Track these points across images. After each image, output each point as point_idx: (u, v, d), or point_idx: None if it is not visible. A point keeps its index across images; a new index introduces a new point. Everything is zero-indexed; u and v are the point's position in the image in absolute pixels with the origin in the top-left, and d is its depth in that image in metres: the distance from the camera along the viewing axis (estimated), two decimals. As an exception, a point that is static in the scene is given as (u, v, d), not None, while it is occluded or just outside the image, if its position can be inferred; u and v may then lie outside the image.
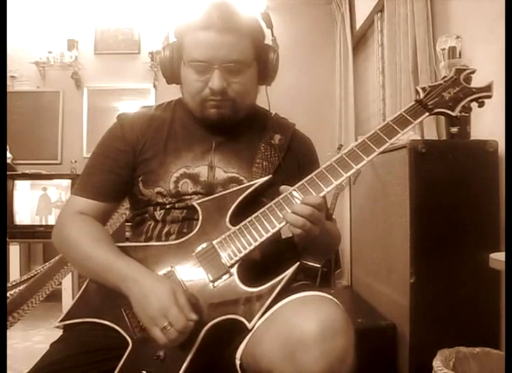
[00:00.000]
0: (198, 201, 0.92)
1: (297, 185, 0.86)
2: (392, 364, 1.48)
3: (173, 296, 0.76)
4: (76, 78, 3.75)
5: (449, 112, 0.91)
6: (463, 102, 0.92)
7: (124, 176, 0.98)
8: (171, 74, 0.99)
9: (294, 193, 0.85)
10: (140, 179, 0.97)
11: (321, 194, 0.85)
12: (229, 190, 0.92)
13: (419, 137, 1.77)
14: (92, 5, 3.76)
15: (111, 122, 1.03)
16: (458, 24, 1.80)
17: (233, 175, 0.96)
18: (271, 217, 0.84)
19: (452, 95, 0.92)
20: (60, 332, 0.93)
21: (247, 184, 0.92)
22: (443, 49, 1.61)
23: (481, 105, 0.94)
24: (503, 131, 1.15)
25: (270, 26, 1.01)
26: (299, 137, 1.07)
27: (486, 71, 1.26)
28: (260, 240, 0.83)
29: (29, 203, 3.17)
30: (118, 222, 1.53)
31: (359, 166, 0.86)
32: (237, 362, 0.80)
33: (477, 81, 0.95)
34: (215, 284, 0.83)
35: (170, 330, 0.74)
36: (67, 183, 3.17)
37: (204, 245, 0.86)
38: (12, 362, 1.80)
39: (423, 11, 1.96)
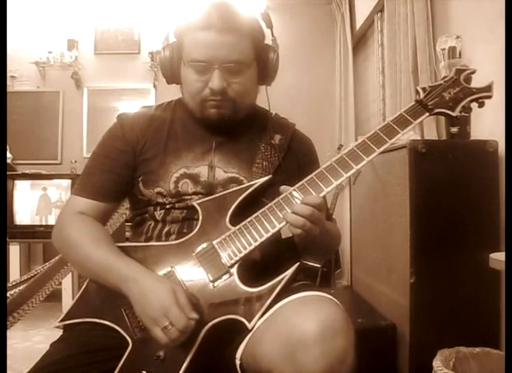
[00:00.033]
0: (198, 201, 0.92)
1: (297, 185, 0.86)
2: (392, 364, 1.48)
3: (174, 296, 0.76)
4: (76, 78, 3.75)
5: (449, 112, 0.91)
6: (463, 103, 0.92)
7: (125, 176, 0.98)
8: (171, 74, 0.99)
9: (294, 193, 0.85)
10: (140, 179, 0.97)
11: (321, 194, 0.85)
12: (229, 190, 0.92)
13: (419, 137, 1.77)
14: (92, 5, 3.76)
15: (111, 122, 1.03)
16: (458, 24, 1.80)
17: (233, 175, 0.96)
18: (271, 218, 0.84)
19: (452, 95, 0.92)
20: (60, 332, 0.93)
21: (247, 184, 0.92)
22: (443, 49, 1.61)
23: (481, 105, 0.94)
24: (503, 131, 1.15)
25: (270, 26, 1.01)
26: (299, 137, 1.07)
27: (486, 71, 1.26)
28: (260, 240, 0.83)
29: (29, 203, 3.17)
30: (118, 222, 1.53)
31: (359, 166, 0.86)
32: (237, 362, 0.80)
33: (477, 82, 0.95)
34: (215, 284, 0.83)
35: (171, 330, 0.74)
36: (67, 183, 3.17)
37: (204, 245, 0.86)
38: (12, 362, 1.80)
39: (423, 11, 1.97)
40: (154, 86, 3.74)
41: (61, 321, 0.90)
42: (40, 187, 3.19)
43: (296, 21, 3.71)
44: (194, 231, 0.89)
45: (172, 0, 3.38)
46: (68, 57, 3.69)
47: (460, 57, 1.62)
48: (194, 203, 0.91)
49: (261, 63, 0.98)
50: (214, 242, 0.86)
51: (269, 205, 0.86)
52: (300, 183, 0.86)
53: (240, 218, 0.87)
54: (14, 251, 3.06)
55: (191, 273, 0.84)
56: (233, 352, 0.80)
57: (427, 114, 0.90)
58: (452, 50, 1.59)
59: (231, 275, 0.83)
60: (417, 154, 1.35)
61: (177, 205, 0.94)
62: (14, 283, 1.46)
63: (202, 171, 0.95)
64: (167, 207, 0.95)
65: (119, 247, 0.90)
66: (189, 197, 0.94)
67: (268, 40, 1.01)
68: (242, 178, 0.96)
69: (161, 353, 0.79)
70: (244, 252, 0.83)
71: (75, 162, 3.47)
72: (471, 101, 0.93)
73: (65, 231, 0.93)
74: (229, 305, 0.80)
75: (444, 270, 1.36)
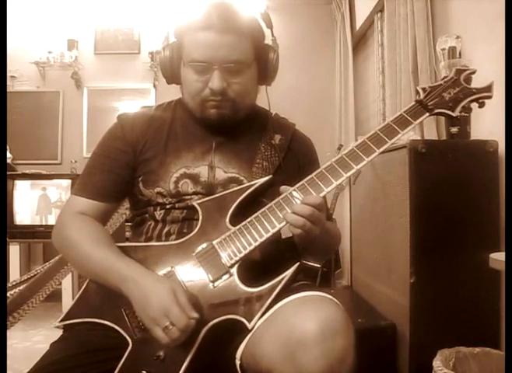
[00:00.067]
0: (198, 201, 0.92)
1: (297, 185, 0.86)
2: (392, 364, 1.48)
3: (174, 295, 0.76)
4: (76, 78, 3.75)
5: (449, 112, 0.91)
6: (463, 103, 0.92)
7: (125, 176, 0.98)
8: (171, 74, 0.99)
9: (294, 194, 0.85)
10: (140, 179, 0.97)
11: (321, 194, 0.85)
12: (229, 190, 0.92)
13: (419, 137, 1.77)
14: (92, 5, 3.76)
15: (111, 122, 1.03)
16: (458, 24, 1.80)
17: (233, 175, 0.96)
18: (271, 218, 0.84)
19: (452, 95, 0.92)
20: (60, 332, 0.93)
21: (247, 184, 0.92)
22: (443, 49, 1.61)
23: (481, 105, 0.94)
24: (503, 131, 1.15)
25: (270, 26, 1.01)
26: (299, 138, 1.07)
27: (486, 71, 1.26)
28: (260, 240, 0.83)
29: (29, 203, 3.17)
30: (118, 222, 1.53)
31: (359, 166, 0.86)
32: (237, 362, 0.80)
33: (477, 82, 0.95)
34: (215, 284, 0.83)
35: (172, 330, 0.74)
36: (67, 183, 3.17)
37: (204, 245, 0.86)
38: (12, 362, 1.80)
39: (423, 11, 1.97)
40: (154, 86, 3.74)
41: (61, 321, 0.90)
42: (40, 187, 3.19)
43: (296, 21, 3.71)
44: (194, 231, 0.89)
45: (172, 0, 3.38)
46: (68, 57, 3.69)
47: (460, 57, 1.62)
48: (194, 203, 0.91)
49: (261, 63, 0.98)
50: (214, 242, 0.86)
51: (269, 205, 0.86)
52: (300, 183, 0.86)
53: (240, 218, 0.87)
54: (14, 251, 3.06)
55: (191, 273, 0.84)
56: (233, 352, 0.80)
57: (427, 114, 0.90)
58: (452, 50, 1.59)
59: (231, 275, 0.83)
60: (417, 154, 1.35)
61: (177, 205, 0.94)
62: (14, 283, 1.46)
63: (202, 171, 0.95)
64: (167, 207, 0.95)
65: (119, 247, 0.90)
66: (189, 197, 0.94)
67: (268, 40, 1.01)
68: (242, 178, 0.96)
69: (161, 353, 0.79)
70: (244, 252, 0.83)
71: (75, 162, 3.47)
72: (471, 101, 0.93)
73: (65, 231, 0.93)
74: (229, 305, 0.81)
75: (444, 270, 1.36)
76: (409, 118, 0.90)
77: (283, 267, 0.82)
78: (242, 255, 0.83)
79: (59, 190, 3.19)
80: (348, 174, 0.86)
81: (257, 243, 0.83)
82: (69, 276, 2.72)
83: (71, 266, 1.39)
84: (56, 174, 3.32)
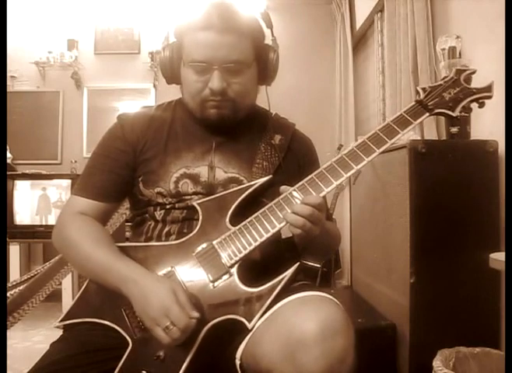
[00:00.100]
0: (198, 201, 0.92)
1: (297, 185, 0.86)
2: (392, 364, 1.48)
3: (174, 295, 0.76)
4: (76, 78, 3.75)
5: (449, 112, 0.91)
6: (463, 103, 0.92)
7: (125, 176, 0.98)
8: (171, 74, 0.99)
9: (294, 194, 0.85)
10: (140, 179, 0.97)
11: (321, 194, 0.85)
12: (229, 190, 0.92)
13: (419, 137, 1.77)
14: (92, 5, 3.76)
15: (111, 122, 1.03)
16: (458, 24, 1.80)
17: (233, 175, 0.96)
18: (271, 218, 0.84)
19: (452, 95, 0.92)
20: (60, 332, 0.93)
21: (247, 184, 0.92)
22: (443, 49, 1.61)
23: (481, 105, 0.94)
24: (503, 131, 1.15)
25: (270, 26, 1.01)
26: (299, 138, 1.07)
27: (486, 71, 1.26)
28: (260, 240, 0.83)
29: (29, 203, 3.17)
30: (118, 222, 1.53)
31: (359, 167, 0.86)
32: (237, 362, 0.80)
33: (477, 82, 0.95)
34: (215, 284, 0.83)
35: (173, 329, 0.74)
36: (67, 183, 3.17)
37: (204, 245, 0.86)
38: (12, 362, 1.80)
39: (423, 11, 1.97)
40: (154, 86, 3.74)
41: (61, 321, 0.90)
42: (40, 187, 3.19)
43: (296, 21, 3.70)
44: (194, 231, 0.89)
45: (172, 0, 3.38)
46: (68, 57, 3.69)
47: (460, 57, 1.62)
48: (194, 204, 0.91)
49: (261, 63, 0.98)
50: (214, 242, 0.86)
51: (269, 205, 0.86)
52: (300, 183, 0.86)
53: (240, 218, 0.87)
54: (14, 251, 3.06)
55: (191, 273, 0.84)
56: (233, 352, 0.80)
57: (427, 114, 0.90)
58: (452, 50, 1.59)
59: (231, 275, 0.83)
60: (417, 154, 1.35)
61: (177, 205, 0.94)
62: (14, 283, 1.46)
63: (202, 171, 0.95)
64: (167, 207, 0.95)
65: (119, 247, 0.90)
66: (189, 197, 0.94)
67: (268, 40, 1.01)
68: (242, 178, 0.96)
69: (161, 353, 0.79)
70: (244, 252, 0.83)
71: (75, 162, 3.47)
72: (472, 101, 0.93)
73: (65, 231, 0.93)
74: (229, 305, 0.81)
75: (444, 270, 1.36)
76: (409, 118, 0.90)
77: (283, 267, 0.82)
78: (242, 255, 0.83)
79: (59, 190, 3.19)
80: (349, 174, 0.86)
81: (257, 243, 0.83)
82: (69, 276, 2.72)
83: (71, 266, 1.39)
84: (56, 174, 3.32)
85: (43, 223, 3.14)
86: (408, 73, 2.04)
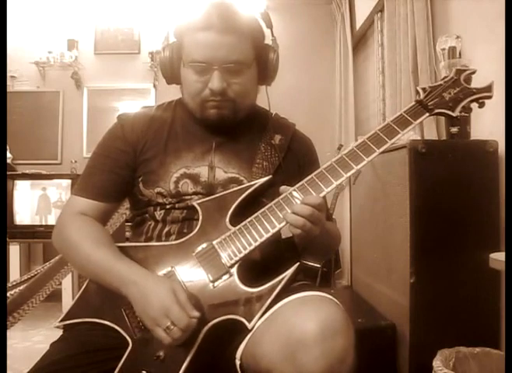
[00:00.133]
0: (198, 201, 0.92)
1: (297, 185, 0.86)
2: (392, 364, 1.48)
3: (174, 295, 0.76)
4: (76, 78, 3.75)
5: (449, 112, 0.91)
6: (463, 103, 0.92)
7: (125, 176, 0.98)
8: (171, 74, 0.99)
9: (294, 194, 0.85)
10: (140, 179, 0.97)
11: (321, 194, 0.85)
12: (229, 190, 0.92)
13: (419, 137, 1.77)
14: (92, 5, 3.76)
15: (111, 122, 1.03)
16: (458, 24, 1.80)
17: (234, 175, 0.96)
18: (271, 218, 0.84)
19: (452, 95, 0.92)
20: (60, 332, 0.93)
21: (247, 184, 0.92)
22: (443, 49, 1.61)
23: (481, 105, 0.94)
24: (503, 131, 1.15)
25: (270, 26, 1.01)
26: (299, 138, 1.07)
27: (486, 71, 1.26)
28: (260, 240, 0.83)
29: (29, 203, 3.17)
30: (118, 222, 1.53)
31: (359, 167, 0.86)
32: (237, 362, 0.80)
33: (477, 82, 0.95)
34: (215, 284, 0.83)
35: (174, 329, 0.74)
36: (67, 183, 3.17)
37: (204, 245, 0.86)
38: (12, 362, 1.80)
39: (423, 11, 1.97)
40: (154, 86, 3.74)
41: (61, 321, 0.90)
42: (40, 187, 3.19)
43: (296, 21, 3.70)
44: (194, 231, 0.89)
45: (172, 0, 3.38)
46: (68, 57, 3.69)
47: (460, 57, 1.62)
48: (194, 204, 0.91)
49: (261, 63, 0.98)
50: (214, 242, 0.86)
51: (269, 205, 0.86)
52: (300, 183, 0.86)
53: (240, 218, 0.87)
54: (14, 251, 3.06)
55: (191, 273, 0.84)
56: (233, 352, 0.80)
57: (427, 114, 0.90)
58: (452, 50, 1.59)
59: (231, 275, 0.83)
60: (417, 154, 1.35)
61: (177, 205, 0.94)
62: (14, 283, 1.46)
63: (202, 171, 0.95)
64: (167, 207, 0.95)
65: (119, 247, 0.90)
66: (189, 197, 0.94)
67: (268, 40, 1.01)
68: (242, 178, 0.96)
69: (161, 353, 0.79)
70: (244, 252, 0.83)
71: (75, 162, 3.47)
72: (472, 101, 0.93)
73: (65, 231, 0.93)
74: (229, 305, 0.81)
75: (444, 270, 1.36)
76: (409, 118, 0.90)
77: (283, 267, 0.82)
78: (242, 255, 0.83)
79: (59, 190, 3.19)
80: (348, 174, 0.86)
81: (257, 243, 0.83)
82: (69, 276, 2.72)
83: (72, 266, 1.39)
84: (56, 174, 3.32)
85: (43, 223, 3.14)
86: (408, 73, 2.04)
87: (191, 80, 0.93)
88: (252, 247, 0.83)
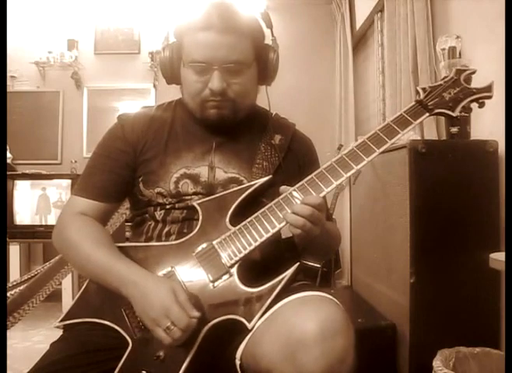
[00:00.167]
0: (198, 201, 0.92)
1: (297, 185, 0.86)
2: (392, 364, 1.48)
3: (173, 295, 0.76)
4: (76, 78, 3.75)
5: (449, 112, 0.91)
6: (463, 103, 0.92)
7: (125, 176, 0.98)
8: (171, 74, 0.99)
9: (294, 194, 0.85)
10: (140, 179, 0.97)
11: (321, 194, 0.85)
12: (229, 190, 0.92)
13: (419, 137, 1.77)
14: (92, 5, 3.76)
15: (111, 122, 1.03)
16: (458, 24, 1.80)
17: (234, 175, 0.96)
18: (271, 218, 0.84)
19: (452, 95, 0.92)
20: (60, 332, 0.93)
21: (247, 184, 0.92)
22: (443, 49, 1.61)
23: (481, 105, 0.94)
24: (503, 131, 1.15)
25: (270, 26, 1.01)
26: (299, 138, 1.07)
27: (486, 71, 1.26)
28: (260, 240, 0.83)
29: (29, 203, 3.17)
30: (118, 222, 1.53)
31: (359, 167, 0.86)
32: (237, 362, 0.80)
33: (477, 82, 0.95)
34: (215, 284, 0.83)
35: (174, 330, 0.74)
36: (67, 183, 3.17)
37: (204, 245, 0.86)
38: (12, 362, 1.80)
39: (423, 11, 1.97)
40: (154, 86, 3.74)
41: (61, 321, 0.90)
42: (40, 187, 3.19)
43: (296, 21, 3.70)
44: (194, 231, 0.89)
45: (172, 0, 3.38)
46: (68, 57, 3.69)
47: (460, 57, 1.62)
48: (194, 204, 0.91)
49: (261, 63, 0.98)
50: (214, 242, 0.86)
51: (269, 205, 0.86)
52: (300, 183, 0.86)
53: (240, 218, 0.87)
54: (14, 251, 3.06)
55: (191, 273, 0.84)
56: (233, 352, 0.80)
57: (427, 114, 0.90)
58: (452, 50, 1.59)
59: (231, 275, 0.83)
60: (417, 154, 1.35)
61: (177, 205, 0.94)
62: (14, 283, 1.46)
63: (202, 171, 0.95)
64: (167, 207, 0.95)
65: (119, 247, 0.90)
66: (189, 197, 0.94)
67: (268, 40, 1.01)
68: (242, 178, 0.96)
69: (161, 353, 0.79)
70: (244, 252, 0.83)
71: (75, 162, 3.47)
72: (472, 101, 0.93)
73: (65, 232, 0.93)
74: (229, 305, 0.81)
75: (444, 270, 1.36)
76: (409, 118, 0.90)
77: (283, 267, 0.82)
78: (242, 255, 0.83)
79: (59, 190, 3.19)
80: (348, 174, 0.86)
81: (257, 243, 0.83)
82: (69, 276, 2.71)
83: (72, 266, 1.39)
84: (56, 174, 3.32)
85: (43, 223, 3.14)
86: (408, 73, 2.04)
87: (191, 80, 0.93)
88: (252, 247, 0.83)
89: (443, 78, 0.96)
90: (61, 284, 2.62)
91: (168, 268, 0.86)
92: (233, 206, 0.89)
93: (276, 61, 1.00)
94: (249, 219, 0.85)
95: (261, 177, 0.94)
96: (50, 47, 3.70)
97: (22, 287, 1.44)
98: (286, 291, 0.81)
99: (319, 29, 3.77)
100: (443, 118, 1.54)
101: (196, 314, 0.75)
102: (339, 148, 2.92)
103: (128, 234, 1.43)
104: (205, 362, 0.81)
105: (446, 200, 1.37)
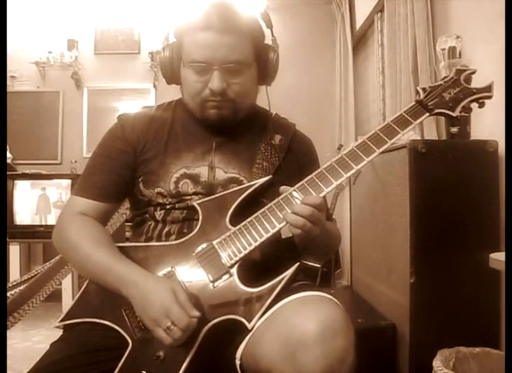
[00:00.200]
0: (198, 201, 0.92)
1: (297, 185, 0.86)
2: (392, 364, 1.48)
3: (173, 295, 0.76)
4: (76, 78, 3.75)
5: (449, 112, 0.91)
6: (463, 103, 0.92)
7: (125, 176, 0.98)
8: (171, 74, 0.99)
9: (294, 194, 0.85)
10: (140, 179, 0.97)
11: (321, 194, 0.85)
12: (229, 190, 0.92)
13: (419, 137, 1.77)
14: (92, 5, 3.76)
15: (111, 122, 1.03)
16: (458, 24, 1.80)
17: (234, 175, 0.96)
18: (271, 218, 0.84)
19: (452, 95, 0.92)
20: (60, 332, 0.93)
21: (247, 184, 0.92)
22: (443, 49, 1.61)
23: (481, 105, 0.94)
24: (503, 131, 1.15)
25: (270, 26, 1.01)
26: (299, 138, 1.07)
27: (486, 71, 1.26)
28: (260, 240, 0.83)
29: (29, 203, 3.17)
30: (118, 222, 1.53)
31: (359, 167, 0.86)
32: (237, 362, 0.80)
33: (477, 81, 0.95)
34: (215, 284, 0.83)
35: (174, 329, 0.74)
36: (67, 183, 3.17)
37: (204, 245, 0.86)
38: (12, 362, 1.79)
39: (423, 11, 1.97)
40: (154, 86, 3.74)
41: (61, 321, 0.90)
42: (40, 187, 3.19)
43: (296, 21, 3.70)
44: (194, 231, 0.89)
45: (172, 0, 3.38)
46: (68, 57, 3.69)
47: (460, 57, 1.62)
48: (194, 204, 0.91)
49: (261, 63, 0.98)
50: (214, 243, 0.86)
51: (269, 205, 0.86)
52: (300, 183, 0.86)
53: (240, 218, 0.87)
54: (14, 251, 3.06)
55: (191, 273, 0.84)
56: (233, 352, 0.80)
57: (427, 114, 0.90)
58: (452, 50, 1.59)
59: (231, 275, 0.83)
60: (417, 154, 1.35)
61: (177, 205, 0.94)
62: (14, 283, 1.46)
63: (202, 171, 0.95)
64: (167, 207, 0.95)
65: (119, 247, 0.90)
66: (189, 198, 0.94)
67: (268, 40, 1.01)
68: (242, 178, 0.96)
69: (161, 353, 0.79)
70: (244, 252, 0.83)
71: (75, 162, 3.47)
72: (472, 101, 0.93)
73: (65, 232, 0.93)
74: (229, 305, 0.81)
75: (444, 270, 1.36)
76: (409, 118, 0.90)
77: (283, 267, 0.82)
78: (242, 255, 0.83)
79: (59, 190, 3.19)
80: (348, 174, 0.86)
81: (257, 243, 0.83)
82: (69, 276, 2.71)
83: (72, 266, 1.39)
84: (56, 174, 3.32)
85: (43, 223, 3.14)
86: (408, 73, 2.04)
87: (191, 80, 0.93)
88: (252, 247, 0.83)
89: (443, 78, 0.96)
90: (61, 284, 2.61)
91: (168, 268, 0.86)
92: (233, 206, 0.89)
93: (276, 60, 1.00)
94: (249, 219, 0.85)
95: (261, 177, 0.94)
96: (50, 47, 3.70)
97: (22, 287, 1.44)
98: (286, 291, 0.81)
99: (319, 29, 3.77)
100: (443, 118, 1.54)
101: (196, 314, 0.75)
102: (339, 148, 2.91)
103: (128, 234, 1.43)
104: (205, 362, 0.81)
105: (446, 200, 1.37)
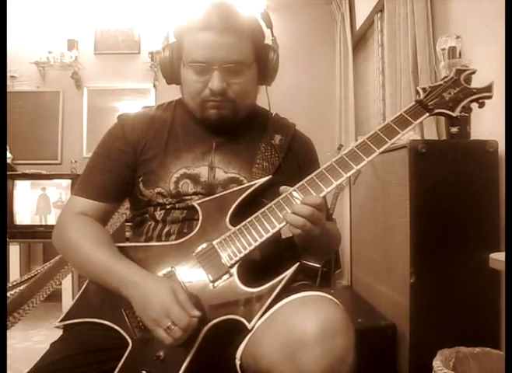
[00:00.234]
0: (198, 201, 0.92)
1: (297, 185, 0.86)
2: (392, 364, 1.48)
3: (173, 295, 0.76)
4: (76, 78, 3.75)
5: (449, 112, 0.91)
6: (463, 103, 0.92)
7: (125, 176, 0.98)
8: (171, 74, 0.99)
9: (294, 194, 0.85)
10: (140, 179, 0.97)
11: (321, 194, 0.85)
12: (229, 190, 0.92)
13: (419, 137, 1.77)
14: (92, 5, 3.76)
15: (111, 122, 1.03)
16: (458, 24, 1.80)
17: (234, 175, 0.96)
18: (271, 218, 0.84)
19: (452, 95, 0.92)
20: (60, 332, 0.93)
21: (247, 184, 0.92)
22: (443, 49, 1.61)
23: (481, 105, 0.94)
24: (503, 131, 1.15)
25: (270, 26, 1.01)
26: (299, 138, 1.07)
27: (486, 71, 1.26)
28: (260, 240, 0.83)
29: (29, 203, 3.17)
30: (118, 222, 1.53)
31: (359, 167, 0.86)
32: (237, 362, 0.80)
33: (477, 81, 0.95)
34: (215, 284, 0.83)
35: (174, 329, 0.74)
36: (67, 183, 3.17)
37: (204, 245, 0.86)
38: (12, 362, 1.79)
39: (423, 11, 1.97)
40: (154, 86, 3.74)
41: (61, 321, 0.90)
42: (40, 187, 3.19)
43: (296, 21, 3.70)
44: (194, 231, 0.89)
45: (172, 0, 3.38)
46: (68, 57, 3.69)
47: (460, 57, 1.62)
48: (194, 204, 0.91)
49: (261, 63, 0.98)
50: (214, 243, 0.86)
51: (269, 205, 0.86)
52: (300, 183, 0.86)
53: (240, 219, 0.87)
54: (14, 251, 3.06)
55: (191, 273, 0.84)
56: (233, 352, 0.80)
57: (427, 114, 0.90)
58: (452, 50, 1.59)
59: (231, 275, 0.83)
60: (417, 154, 1.35)
61: (177, 205, 0.94)
62: (14, 283, 1.46)
63: (202, 171, 0.95)
64: (167, 207, 0.95)
65: (119, 247, 0.90)
66: (189, 198, 0.94)
67: (268, 40, 1.01)
68: (242, 178, 0.96)
69: (161, 353, 0.79)
70: (244, 252, 0.83)
71: (75, 162, 3.47)
72: (472, 101, 0.93)
73: (65, 232, 0.93)
74: (229, 305, 0.81)
75: (444, 270, 1.36)
76: (409, 118, 0.90)
77: (283, 267, 0.82)
78: (242, 255, 0.83)
79: (59, 190, 3.19)
80: (348, 174, 0.86)
81: (257, 243, 0.83)
82: (69, 276, 2.71)
83: (72, 266, 1.39)
84: (56, 174, 3.32)
85: (43, 223, 3.14)
86: (408, 73, 2.04)
87: (191, 80, 0.93)
88: (252, 247, 0.83)
89: (443, 78, 0.96)
90: (61, 284, 2.61)
91: (168, 268, 0.86)
92: (233, 206, 0.89)
93: (276, 61, 1.00)
94: (249, 219, 0.85)
95: (261, 177, 0.94)
96: (50, 47, 3.70)
97: (22, 287, 1.44)
98: (286, 291, 0.81)
99: (319, 29, 3.77)
100: (443, 118, 1.54)
101: (197, 313, 0.75)
102: (339, 148, 2.91)
103: (128, 234, 1.43)
104: (205, 362, 0.81)
105: (446, 200, 1.37)
